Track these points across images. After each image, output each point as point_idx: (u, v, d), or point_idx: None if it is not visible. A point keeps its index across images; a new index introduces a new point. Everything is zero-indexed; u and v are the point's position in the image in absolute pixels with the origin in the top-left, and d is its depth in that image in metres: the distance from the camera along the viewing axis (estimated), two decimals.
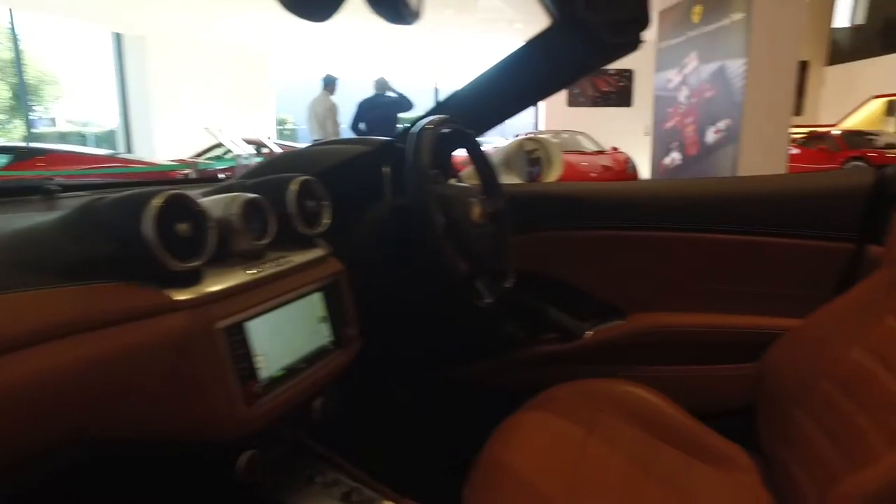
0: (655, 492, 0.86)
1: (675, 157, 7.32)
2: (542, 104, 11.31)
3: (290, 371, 0.73)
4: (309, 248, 0.82)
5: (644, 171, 8.25)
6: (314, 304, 0.80)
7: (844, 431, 0.80)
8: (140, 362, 0.57)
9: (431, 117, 0.97)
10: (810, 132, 9.79)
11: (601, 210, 1.23)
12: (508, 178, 1.49)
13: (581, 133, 9.06)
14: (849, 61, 11.79)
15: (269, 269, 0.72)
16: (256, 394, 0.66)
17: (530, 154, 1.66)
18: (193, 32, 10.10)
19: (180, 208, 0.62)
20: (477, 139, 1.09)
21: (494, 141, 8.34)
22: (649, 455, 0.94)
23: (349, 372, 0.91)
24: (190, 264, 0.61)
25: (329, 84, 6.63)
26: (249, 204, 0.71)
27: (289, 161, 1.10)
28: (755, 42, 5.70)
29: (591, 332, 1.25)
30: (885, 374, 0.79)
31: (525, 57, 1.09)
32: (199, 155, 7.34)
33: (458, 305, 0.94)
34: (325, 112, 6.55)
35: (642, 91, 10.38)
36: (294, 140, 13.65)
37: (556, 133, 9.23)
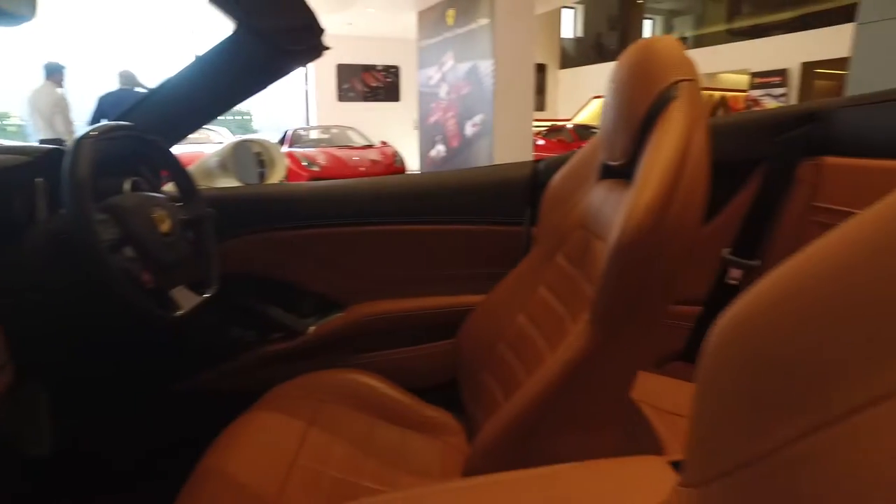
0: (374, 467, 0.93)
1: (440, 149, 7.85)
2: (312, 99, 11.17)
3: None
4: None
5: (413, 163, 8.69)
6: None
7: (508, 379, 0.99)
8: None
9: (98, 125, 0.91)
10: (551, 126, 11.32)
11: (310, 209, 1.28)
12: (226, 181, 1.46)
13: (351, 128, 9.18)
14: (576, 66, 13.99)
15: None
16: None
17: (259, 156, 1.65)
18: None
19: None
20: (163, 146, 1.05)
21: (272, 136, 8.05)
22: (370, 435, 1.01)
23: (70, 401, 0.81)
24: None
25: (53, 73, 5.66)
26: None
27: None
28: (499, 45, 6.36)
29: (314, 328, 1.30)
30: (536, 333, 0.98)
31: (213, 62, 1.08)
32: None
33: (145, 320, 0.90)
34: (51, 107, 5.59)
35: (409, 87, 10.88)
36: (23, 138, 11.43)
37: (327, 128, 9.23)
